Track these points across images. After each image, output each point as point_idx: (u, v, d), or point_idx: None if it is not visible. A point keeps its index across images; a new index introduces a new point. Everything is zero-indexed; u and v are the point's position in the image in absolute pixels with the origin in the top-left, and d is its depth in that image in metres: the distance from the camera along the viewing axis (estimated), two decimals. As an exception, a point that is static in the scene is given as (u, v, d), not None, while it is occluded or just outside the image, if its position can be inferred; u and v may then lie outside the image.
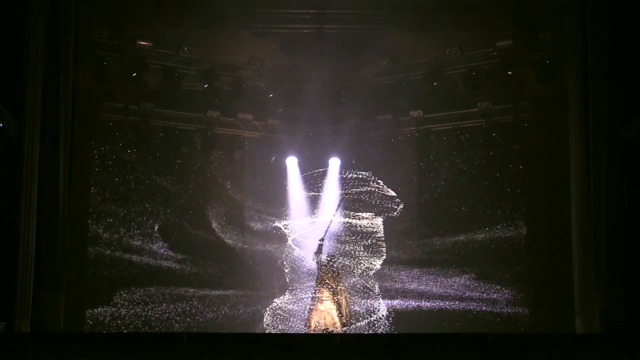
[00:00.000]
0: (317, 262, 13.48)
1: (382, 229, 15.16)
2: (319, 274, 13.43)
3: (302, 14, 14.74)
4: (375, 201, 14.98)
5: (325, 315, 13.08)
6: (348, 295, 13.39)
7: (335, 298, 13.16)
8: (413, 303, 14.83)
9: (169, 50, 14.93)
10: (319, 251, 13.41)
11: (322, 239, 13.53)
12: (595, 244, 11.87)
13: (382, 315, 13.87)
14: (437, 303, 14.83)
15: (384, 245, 15.08)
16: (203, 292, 15.09)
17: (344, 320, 13.05)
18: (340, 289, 13.32)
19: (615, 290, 11.56)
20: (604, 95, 11.96)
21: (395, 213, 15.39)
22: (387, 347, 9.96)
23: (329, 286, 13.25)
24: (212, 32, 14.78)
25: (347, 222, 14.57)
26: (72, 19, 12.55)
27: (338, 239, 14.14)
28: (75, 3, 12.62)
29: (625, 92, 11.93)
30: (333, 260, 13.49)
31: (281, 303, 14.27)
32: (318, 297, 13.22)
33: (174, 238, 15.19)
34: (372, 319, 14.03)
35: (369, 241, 14.84)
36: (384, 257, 15.09)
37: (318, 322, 13.06)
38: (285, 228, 14.62)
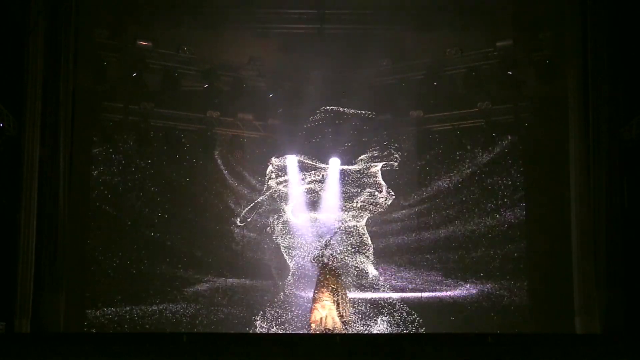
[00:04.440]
0: (317, 264, 13.52)
1: (381, 228, 15.22)
2: (319, 276, 13.45)
3: (302, 14, 14.74)
4: (374, 199, 14.99)
5: (327, 315, 13.08)
6: (345, 294, 13.41)
7: (334, 298, 13.17)
8: (410, 303, 14.79)
9: (169, 50, 14.93)
10: (320, 255, 13.49)
11: (326, 244, 13.63)
12: (595, 243, 11.87)
13: (380, 315, 13.88)
14: (436, 302, 14.81)
15: (383, 243, 15.16)
16: (204, 291, 15.08)
17: (344, 319, 13.06)
18: (340, 287, 13.34)
19: (615, 290, 11.55)
20: (604, 95, 11.96)
21: (394, 212, 15.43)
22: (387, 347, 9.96)
23: (329, 286, 13.25)
24: (212, 32, 14.79)
25: (344, 222, 14.59)
26: (72, 19, 12.55)
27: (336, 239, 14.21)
28: (75, 3, 12.62)
29: (625, 92, 11.92)
30: (334, 259, 13.52)
31: (280, 301, 14.30)
32: (319, 297, 13.22)
33: (173, 237, 15.18)
34: (370, 318, 14.04)
35: (367, 241, 14.86)
36: (383, 254, 15.14)
37: (319, 322, 13.07)
38: (284, 227, 14.64)
